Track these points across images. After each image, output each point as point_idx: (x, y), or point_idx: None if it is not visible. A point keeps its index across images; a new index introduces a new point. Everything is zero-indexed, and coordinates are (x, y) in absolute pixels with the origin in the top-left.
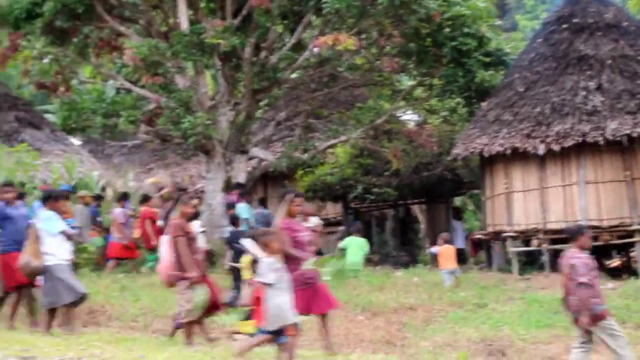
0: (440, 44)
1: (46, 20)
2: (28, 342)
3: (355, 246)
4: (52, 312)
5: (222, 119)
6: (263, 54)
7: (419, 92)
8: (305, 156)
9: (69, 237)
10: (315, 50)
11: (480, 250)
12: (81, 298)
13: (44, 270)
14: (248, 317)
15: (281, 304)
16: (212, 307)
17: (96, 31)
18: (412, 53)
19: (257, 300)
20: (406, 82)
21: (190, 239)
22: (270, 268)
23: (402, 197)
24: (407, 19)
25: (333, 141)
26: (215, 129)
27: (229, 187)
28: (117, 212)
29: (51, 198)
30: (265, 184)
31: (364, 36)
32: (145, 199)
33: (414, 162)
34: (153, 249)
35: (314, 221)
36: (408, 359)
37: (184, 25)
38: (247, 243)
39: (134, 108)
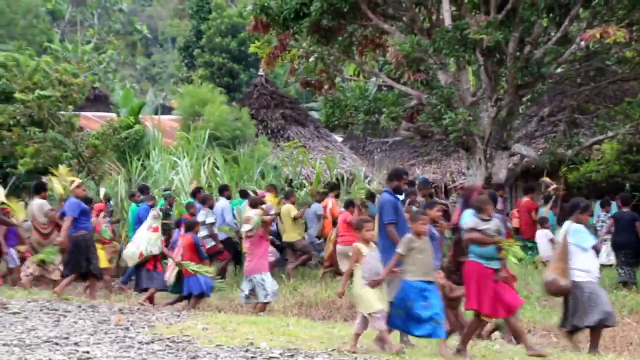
0: None
1: (313, 20)
2: (293, 334)
3: None
4: (596, 331)
5: (484, 115)
6: (527, 48)
7: None
8: (570, 152)
9: (598, 251)
10: (582, 43)
11: None
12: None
13: (572, 289)
14: None
15: None
16: None
17: (360, 29)
18: None
19: None
20: None
21: None
22: None
23: None
24: None
25: (599, 137)
26: (477, 125)
27: (489, 184)
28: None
29: (578, 209)
30: (527, 181)
31: (634, 28)
32: (528, 191)
33: None
34: (529, 240)
35: None
36: None
37: (447, 21)
38: None
39: (396, 105)
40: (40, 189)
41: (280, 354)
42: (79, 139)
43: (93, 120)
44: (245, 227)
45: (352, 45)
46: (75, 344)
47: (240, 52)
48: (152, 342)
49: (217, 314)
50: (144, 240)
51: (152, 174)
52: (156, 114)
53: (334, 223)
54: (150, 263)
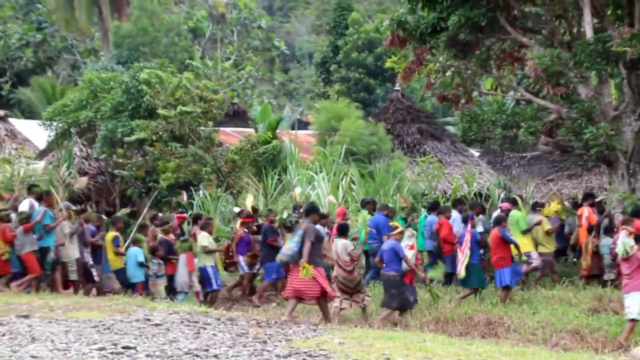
0: None
1: (450, 34)
2: (429, 350)
3: None
4: None
5: (627, 129)
6: None
7: None
8: None
9: None
10: None
11: None
12: None
13: None
14: None
15: None
16: None
17: (498, 43)
18: None
19: None
20: None
21: None
22: None
23: None
24: None
25: None
26: (619, 139)
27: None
28: None
29: None
30: None
31: None
32: None
33: None
34: None
35: None
36: None
37: (589, 33)
38: None
39: (534, 119)
40: (345, 230)
41: None
42: (218, 154)
43: (232, 136)
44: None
45: (489, 59)
46: (215, 356)
47: (377, 67)
48: (289, 355)
49: (353, 328)
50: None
51: (288, 189)
52: (293, 129)
53: (589, 231)
54: (408, 277)
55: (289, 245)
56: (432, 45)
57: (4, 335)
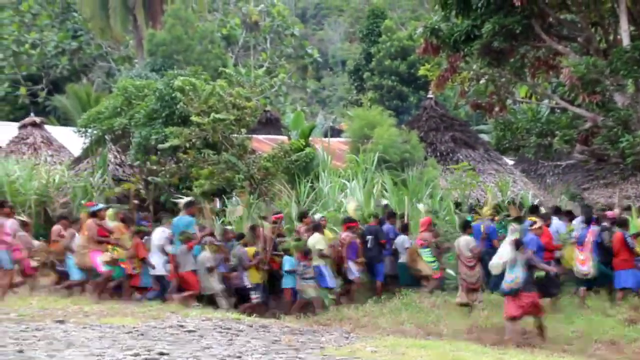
0: None
1: (484, 42)
2: (462, 358)
3: None
4: None
5: None
6: None
7: None
8: None
9: None
10: None
11: None
12: None
13: None
14: None
15: None
16: None
17: (533, 51)
18: None
19: None
20: None
21: None
22: None
23: None
24: None
25: None
26: None
27: None
28: None
29: None
30: None
31: None
32: None
33: None
34: None
35: None
36: None
37: (625, 41)
38: None
39: (570, 127)
40: (467, 226)
41: None
42: (251, 161)
43: (264, 143)
44: None
45: (524, 67)
46: None
47: (410, 74)
48: None
49: (385, 336)
50: (505, 252)
51: (321, 197)
52: (326, 136)
53: None
54: None
55: (514, 275)
56: (466, 52)
57: (40, 340)
